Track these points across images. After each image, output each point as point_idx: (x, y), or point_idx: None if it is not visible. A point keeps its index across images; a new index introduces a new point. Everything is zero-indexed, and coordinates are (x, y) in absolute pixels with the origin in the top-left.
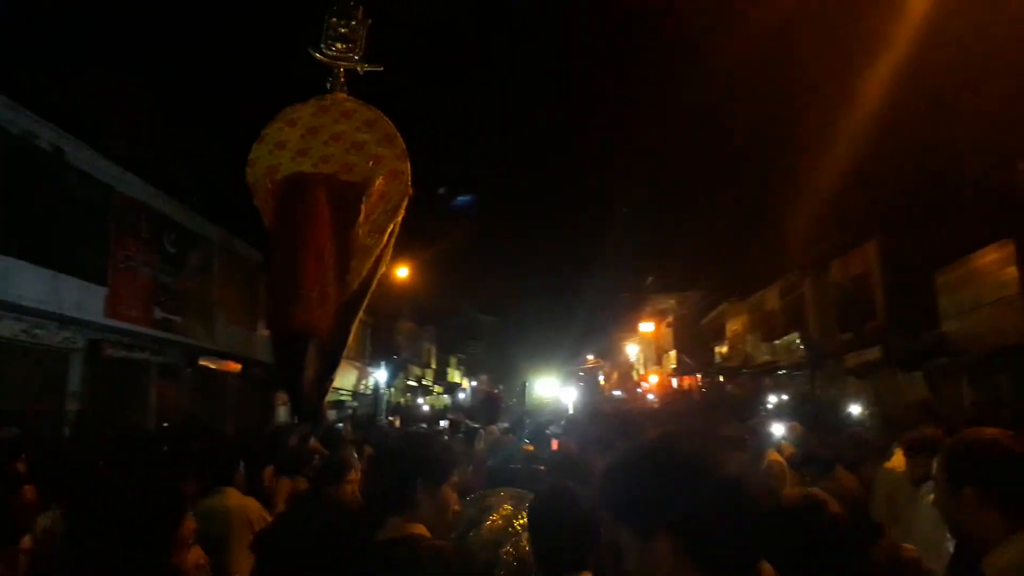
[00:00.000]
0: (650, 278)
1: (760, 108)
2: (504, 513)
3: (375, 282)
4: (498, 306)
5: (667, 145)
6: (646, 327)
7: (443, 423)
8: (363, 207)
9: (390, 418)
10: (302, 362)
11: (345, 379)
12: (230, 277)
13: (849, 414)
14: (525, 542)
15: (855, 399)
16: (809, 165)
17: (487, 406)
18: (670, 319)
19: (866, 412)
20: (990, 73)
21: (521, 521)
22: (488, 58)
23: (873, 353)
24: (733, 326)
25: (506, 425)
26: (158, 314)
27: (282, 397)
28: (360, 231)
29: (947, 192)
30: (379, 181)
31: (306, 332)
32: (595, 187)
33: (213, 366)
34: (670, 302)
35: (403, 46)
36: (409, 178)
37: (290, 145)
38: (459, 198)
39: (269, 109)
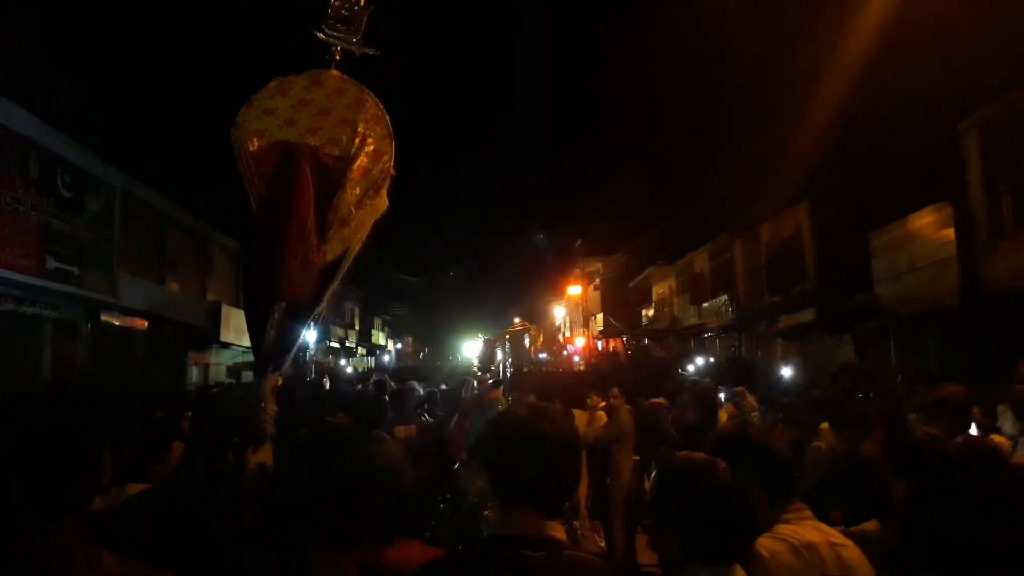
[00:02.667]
0: (578, 240)
1: (692, 71)
2: None
3: (352, 255)
4: (424, 267)
5: (597, 105)
6: (574, 290)
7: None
8: (345, 180)
9: (323, 380)
10: (266, 323)
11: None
12: (135, 226)
13: (780, 376)
14: None
15: (783, 362)
16: (739, 128)
17: (485, 355)
18: (597, 282)
19: (796, 374)
20: (928, 33)
21: None
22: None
23: (805, 315)
24: (660, 289)
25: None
26: (51, 264)
27: (194, 357)
28: (341, 203)
29: (880, 155)
30: (362, 158)
31: (287, 298)
32: (523, 147)
33: (117, 323)
34: (598, 265)
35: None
36: (392, 160)
37: (279, 113)
38: None
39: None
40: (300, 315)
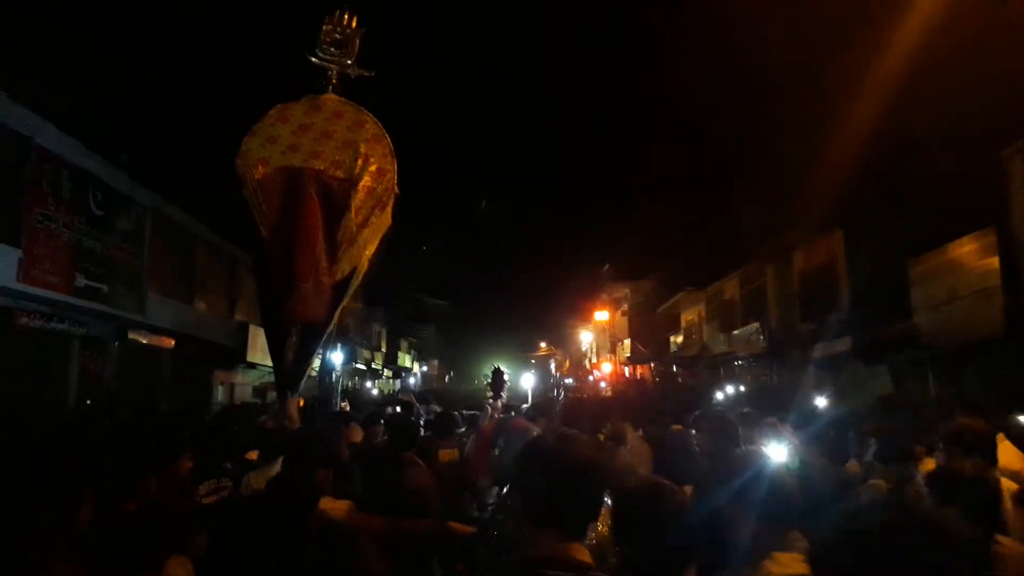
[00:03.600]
0: (607, 266)
1: (723, 96)
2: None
3: (362, 273)
4: (451, 291)
5: (627, 132)
6: (601, 315)
7: (398, 407)
8: (351, 201)
9: (342, 403)
10: (283, 345)
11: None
12: (164, 246)
13: (815, 407)
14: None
15: (817, 391)
16: (772, 152)
17: (495, 379)
18: (625, 307)
19: (830, 405)
20: (971, 56)
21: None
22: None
23: (841, 345)
24: (689, 315)
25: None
26: (81, 282)
27: (220, 376)
28: (348, 223)
29: (919, 181)
30: (366, 178)
31: (301, 320)
32: (552, 173)
33: (144, 341)
34: (625, 291)
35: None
36: (395, 177)
37: (281, 140)
38: None
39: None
40: (315, 335)
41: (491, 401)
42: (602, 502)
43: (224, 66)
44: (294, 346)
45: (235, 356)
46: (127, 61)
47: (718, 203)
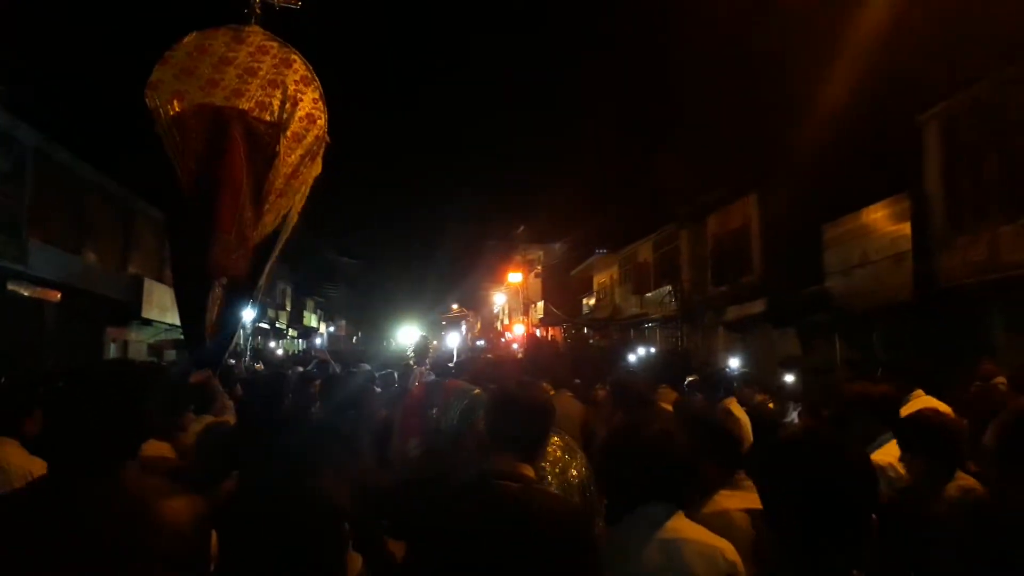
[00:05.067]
0: (520, 227)
1: (640, 55)
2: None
3: (290, 226)
4: (359, 250)
5: (544, 89)
6: (514, 277)
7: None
8: (279, 148)
9: (256, 364)
10: (205, 303)
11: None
12: (49, 190)
13: (724, 368)
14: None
15: (726, 353)
16: (687, 116)
17: (421, 347)
18: (538, 269)
19: (739, 366)
20: (889, 22)
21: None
22: None
23: (754, 307)
24: (602, 278)
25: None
26: None
27: (113, 333)
28: (276, 173)
29: (835, 146)
30: (295, 123)
31: (223, 275)
32: (465, 129)
33: (26, 293)
34: (539, 253)
35: None
36: (326, 125)
37: (199, 72)
38: None
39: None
40: (241, 291)
41: (416, 367)
42: (548, 433)
43: None
44: (218, 301)
45: (129, 312)
46: None
47: (634, 166)
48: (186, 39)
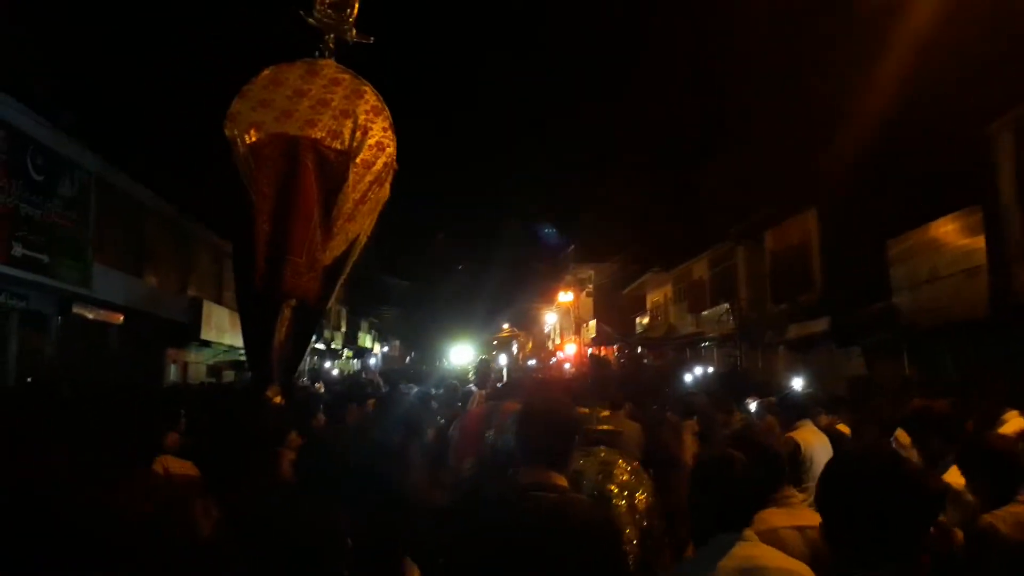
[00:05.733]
0: (571, 247)
1: (695, 69)
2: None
3: (357, 250)
4: (414, 271)
5: (594, 106)
6: (565, 296)
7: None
8: (349, 175)
9: (316, 384)
10: (272, 326)
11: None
12: (111, 215)
13: (786, 389)
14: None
15: (788, 373)
16: (742, 131)
17: (482, 370)
18: (590, 288)
19: (802, 387)
20: (956, 29)
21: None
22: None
23: (817, 325)
24: (655, 296)
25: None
26: (18, 251)
27: (173, 354)
28: (345, 198)
29: (898, 158)
30: (364, 151)
31: (294, 296)
32: (517, 151)
33: (90, 316)
34: (590, 272)
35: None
36: (394, 153)
37: (275, 104)
38: None
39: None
40: (311, 314)
41: (477, 388)
42: (575, 444)
43: (186, 19)
44: (287, 324)
45: (188, 333)
46: (75, 7)
47: (687, 182)
48: (263, 73)
